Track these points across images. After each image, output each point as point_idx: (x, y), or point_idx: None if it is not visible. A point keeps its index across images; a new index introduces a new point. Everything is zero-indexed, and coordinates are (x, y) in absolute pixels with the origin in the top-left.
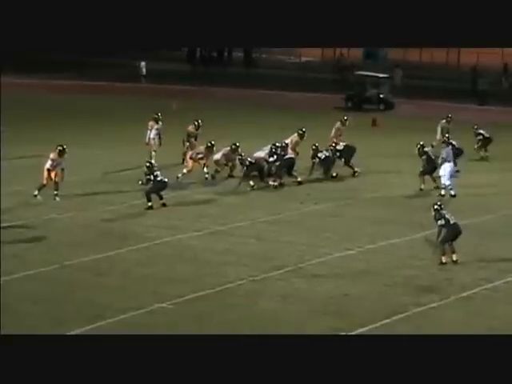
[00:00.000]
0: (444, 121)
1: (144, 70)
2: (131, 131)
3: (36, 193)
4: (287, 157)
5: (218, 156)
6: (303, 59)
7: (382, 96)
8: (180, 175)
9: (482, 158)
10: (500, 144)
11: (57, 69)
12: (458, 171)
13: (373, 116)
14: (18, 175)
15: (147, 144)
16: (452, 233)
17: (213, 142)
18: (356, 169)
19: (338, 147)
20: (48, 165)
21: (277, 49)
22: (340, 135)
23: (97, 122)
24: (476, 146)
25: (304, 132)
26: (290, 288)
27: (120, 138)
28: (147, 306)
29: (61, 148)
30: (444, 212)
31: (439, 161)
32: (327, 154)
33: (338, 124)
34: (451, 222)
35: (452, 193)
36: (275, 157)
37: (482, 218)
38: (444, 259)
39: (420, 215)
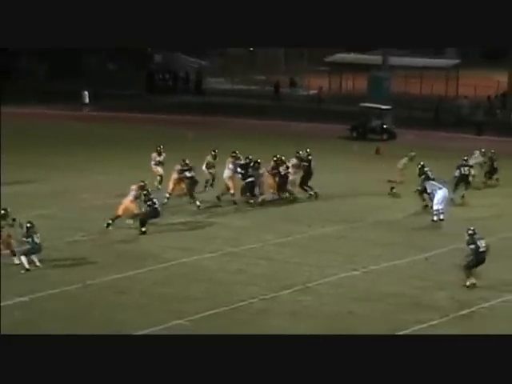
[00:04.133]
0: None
1: (87, 99)
2: (139, 158)
3: (110, 222)
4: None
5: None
6: (311, 92)
7: (385, 126)
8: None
9: (488, 185)
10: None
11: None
12: (451, 199)
13: (376, 145)
14: (43, 199)
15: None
16: (476, 261)
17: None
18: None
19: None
20: (131, 196)
21: (287, 82)
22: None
23: (105, 149)
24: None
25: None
26: (298, 306)
27: (130, 164)
28: (164, 322)
29: (142, 183)
30: (477, 237)
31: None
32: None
33: (405, 160)
34: (480, 249)
35: (441, 217)
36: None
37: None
38: (468, 282)
39: (420, 238)
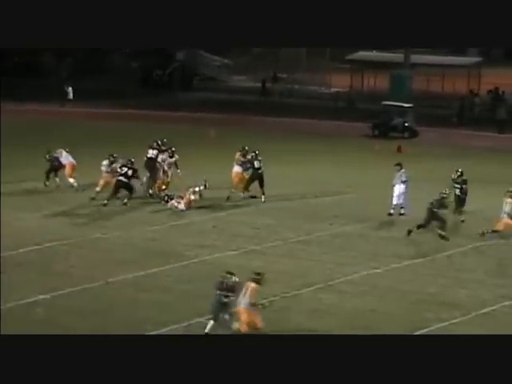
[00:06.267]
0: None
1: (71, 95)
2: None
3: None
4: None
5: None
6: (333, 90)
7: (406, 124)
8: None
9: None
10: None
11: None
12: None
13: (398, 143)
14: (64, 196)
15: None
16: None
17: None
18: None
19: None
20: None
21: (309, 80)
22: None
23: (131, 147)
24: None
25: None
26: (319, 304)
27: None
28: (186, 320)
29: None
30: None
31: (393, 183)
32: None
33: None
34: None
35: (402, 211)
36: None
37: (502, 239)
38: None
39: None
